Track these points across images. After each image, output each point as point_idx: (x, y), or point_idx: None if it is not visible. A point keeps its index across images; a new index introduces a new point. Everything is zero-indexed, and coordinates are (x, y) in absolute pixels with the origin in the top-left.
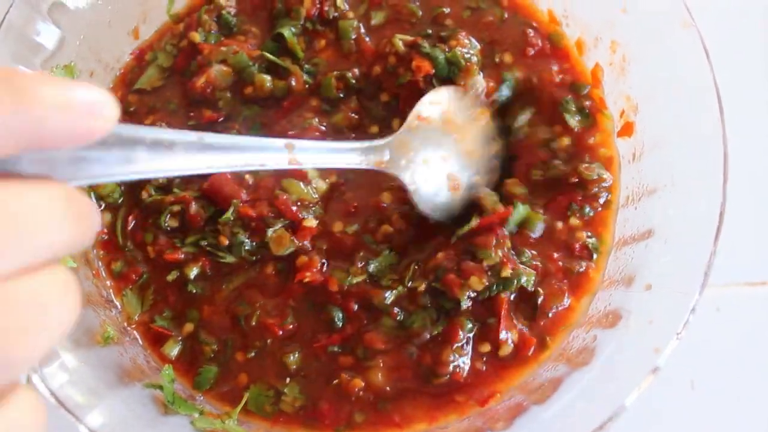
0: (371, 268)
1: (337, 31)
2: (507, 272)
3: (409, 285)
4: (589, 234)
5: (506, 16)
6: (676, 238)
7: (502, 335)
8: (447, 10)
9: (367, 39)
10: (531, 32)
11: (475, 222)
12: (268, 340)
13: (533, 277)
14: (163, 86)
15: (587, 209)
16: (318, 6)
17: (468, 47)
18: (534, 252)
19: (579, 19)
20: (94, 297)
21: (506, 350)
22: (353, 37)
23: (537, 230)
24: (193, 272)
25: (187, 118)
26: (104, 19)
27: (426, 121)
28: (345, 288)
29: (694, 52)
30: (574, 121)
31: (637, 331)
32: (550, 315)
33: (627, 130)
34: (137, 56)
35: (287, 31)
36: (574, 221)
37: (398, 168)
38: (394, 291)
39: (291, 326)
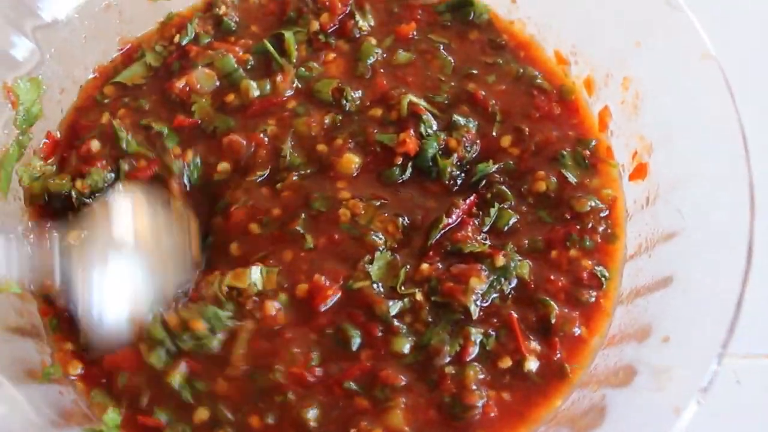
0: (373, 269)
1: (357, 50)
2: (500, 261)
3: (402, 290)
4: (596, 263)
5: (521, 72)
6: (697, 286)
7: (526, 344)
8: (475, 72)
9: (382, 72)
10: (537, 92)
11: (444, 221)
12: (289, 394)
13: (528, 267)
14: (145, 84)
15: (587, 241)
16: (338, 21)
17: (465, 150)
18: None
19: (588, 56)
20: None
21: (532, 363)
22: (371, 61)
23: (509, 224)
24: (176, 380)
25: (158, 119)
26: (79, 35)
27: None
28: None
29: (715, 86)
30: (572, 176)
31: (654, 388)
32: (561, 336)
33: (640, 172)
34: (126, 53)
35: (288, 33)
36: (574, 252)
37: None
38: (398, 302)
39: (317, 369)
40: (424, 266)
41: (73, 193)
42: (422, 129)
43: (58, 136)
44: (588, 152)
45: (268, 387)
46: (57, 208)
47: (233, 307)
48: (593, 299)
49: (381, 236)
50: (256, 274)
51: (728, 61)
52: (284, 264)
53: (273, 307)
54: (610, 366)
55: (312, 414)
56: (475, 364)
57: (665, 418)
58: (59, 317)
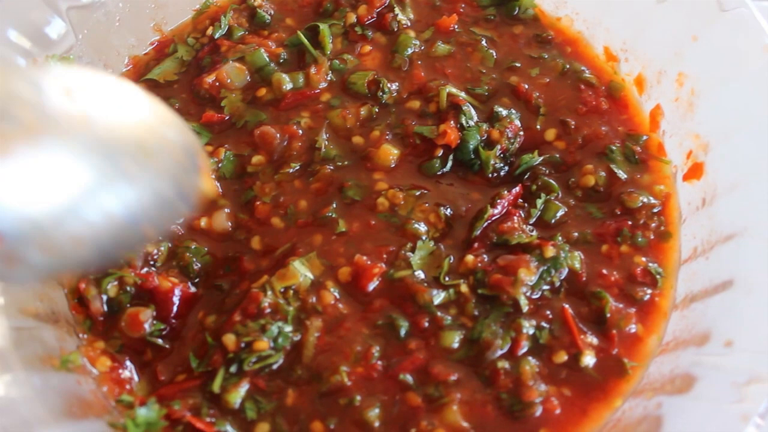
0: (415, 258)
1: (394, 42)
2: (550, 251)
3: (446, 281)
4: (650, 259)
5: (567, 67)
6: (761, 289)
7: (582, 339)
8: (518, 65)
9: (419, 63)
10: (584, 87)
11: (489, 212)
12: (355, 396)
13: (579, 258)
14: (177, 81)
15: (639, 238)
16: (376, 13)
17: (509, 143)
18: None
19: (640, 53)
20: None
21: (589, 358)
22: (409, 52)
23: (556, 216)
24: (238, 398)
25: (188, 117)
26: (113, 18)
27: None
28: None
29: None
30: (621, 171)
31: (716, 396)
32: (616, 332)
33: (695, 172)
34: (158, 47)
35: (323, 25)
36: (625, 248)
37: None
38: (442, 293)
39: (379, 363)
40: (469, 258)
41: None
42: (463, 120)
43: None
44: (638, 148)
45: (332, 390)
46: None
47: (296, 308)
48: (648, 297)
49: (423, 226)
50: (300, 267)
51: None
52: (315, 248)
53: (331, 295)
54: (666, 373)
55: (374, 414)
56: (529, 358)
57: (731, 427)
58: (93, 320)
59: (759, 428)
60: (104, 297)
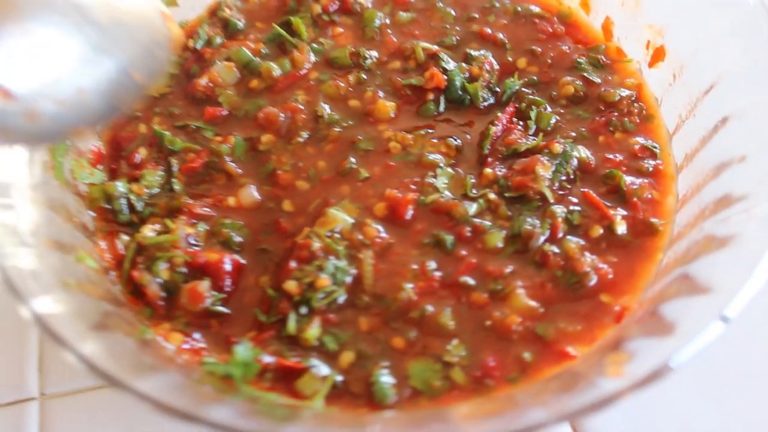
0: (439, 183)
1: (361, 20)
2: (557, 148)
3: (473, 194)
4: (644, 138)
5: (519, 9)
6: (756, 117)
7: (612, 213)
8: (476, 15)
9: (389, 32)
10: (538, 21)
11: (492, 130)
12: (425, 306)
13: (584, 150)
14: (171, 92)
15: (628, 124)
16: (338, 1)
17: (489, 75)
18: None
19: None
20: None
21: (621, 225)
22: (377, 23)
23: (551, 124)
24: (315, 334)
25: (189, 118)
26: None
27: None
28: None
29: None
30: (594, 76)
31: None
32: (637, 199)
33: (658, 56)
34: None
35: (295, 18)
36: (619, 135)
37: None
38: (473, 204)
39: (437, 274)
40: (488, 171)
41: (131, 197)
42: (443, 64)
43: (103, 150)
44: (601, 56)
45: (401, 307)
46: (118, 210)
47: (345, 246)
48: (652, 167)
49: (438, 156)
50: (338, 213)
51: None
52: (346, 197)
53: (374, 229)
54: (695, 212)
55: (447, 317)
56: (570, 237)
57: None
58: (153, 306)
59: None
60: (158, 281)
